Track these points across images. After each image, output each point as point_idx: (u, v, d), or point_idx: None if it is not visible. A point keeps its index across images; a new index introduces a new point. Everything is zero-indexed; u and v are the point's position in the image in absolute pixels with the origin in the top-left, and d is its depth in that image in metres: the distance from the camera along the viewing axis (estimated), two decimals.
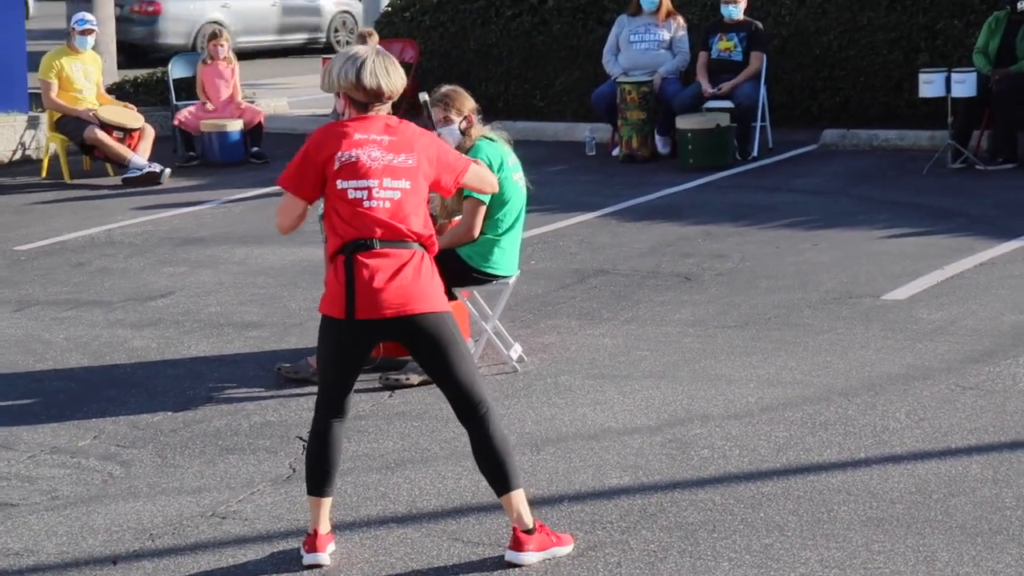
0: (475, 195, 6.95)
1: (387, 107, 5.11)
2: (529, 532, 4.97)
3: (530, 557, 4.94)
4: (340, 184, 4.96)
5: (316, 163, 4.99)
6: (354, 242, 4.93)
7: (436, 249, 5.12)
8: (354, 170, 4.95)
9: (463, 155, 5.27)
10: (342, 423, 5.07)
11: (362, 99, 5.03)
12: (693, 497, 5.51)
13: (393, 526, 5.36)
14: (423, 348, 4.99)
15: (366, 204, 4.94)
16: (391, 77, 5.02)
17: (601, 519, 5.33)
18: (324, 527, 5.07)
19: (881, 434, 6.09)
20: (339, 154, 4.97)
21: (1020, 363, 6.89)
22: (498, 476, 4.97)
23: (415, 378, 7.01)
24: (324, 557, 5.02)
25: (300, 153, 5.05)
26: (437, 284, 5.03)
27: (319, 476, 5.04)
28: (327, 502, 5.08)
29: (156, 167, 13.04)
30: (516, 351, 7.39)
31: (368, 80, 4.97)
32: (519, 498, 4.98)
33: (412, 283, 4.92)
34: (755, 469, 5.77)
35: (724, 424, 6.31)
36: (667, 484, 5.66)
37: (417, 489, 5.72)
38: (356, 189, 4.95)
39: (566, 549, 5.03)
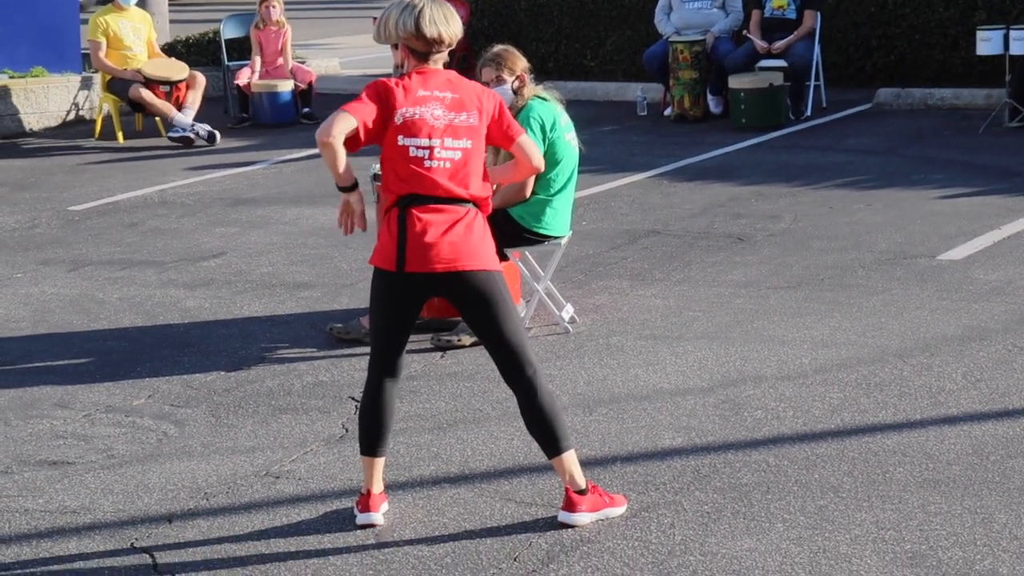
0: None
1: (445, 56, 5.05)
2: (582, 493, 4.96)
3: (583, 518, 4.94)
4: (402, 141, 4.91)
5: (380, 107, 4.90)
6: (409, 195, 4.91)
7: (490, 210, 5.10)
8: (418, 128, 4.90)
9: (519, 125, 5.17)
10: (395, 383, 5.07)
11: (422, 48, 4.96)
12: (746, 458, 5.48)
13: (446, 486, 5.36)
14: (472, 306, 4.97)
15: (427, 164, 4.90)
16: (450, 24, 4.96)
17: (654, 480, 5.31)
18: (377, 487, 5.08)
19: (937, 395, 6.04)
20: (403, 110, 4.91)
21: None
22: (548, 438, 4.96)
23: (467, 339, 7.00)
24: (378, 517, 5.04)
25: (361, 95, 4.94)
26: (489, 243, 5.00)
27: (372, 436, 5.05)
28: (380, 462, 5.08)
29: (201, 129, 13.05)
30: (568, 312, 7.37)
31: (428, 28, 4.92)
32: (570, 459, 4.97)
33: (464, 239, 4.89)
34: (809, 430, 5.74)
35: (777, 385, 6.28)
36: (720, 445, 5.63)
37: (470, 449, 5.72)
38: (418, 148, 4.90)
39: (619, 510, 5.02)
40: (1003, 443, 5.47)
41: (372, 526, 5.02)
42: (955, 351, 6.57)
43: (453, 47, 5.06)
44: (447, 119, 4.92)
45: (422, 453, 5.70)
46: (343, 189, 5.01)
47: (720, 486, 5.23)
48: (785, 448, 5.56)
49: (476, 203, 4.98)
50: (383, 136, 4.94)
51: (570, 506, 4.95)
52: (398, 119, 4.90)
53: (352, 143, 4.91)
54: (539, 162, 5.17)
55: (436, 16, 4.94)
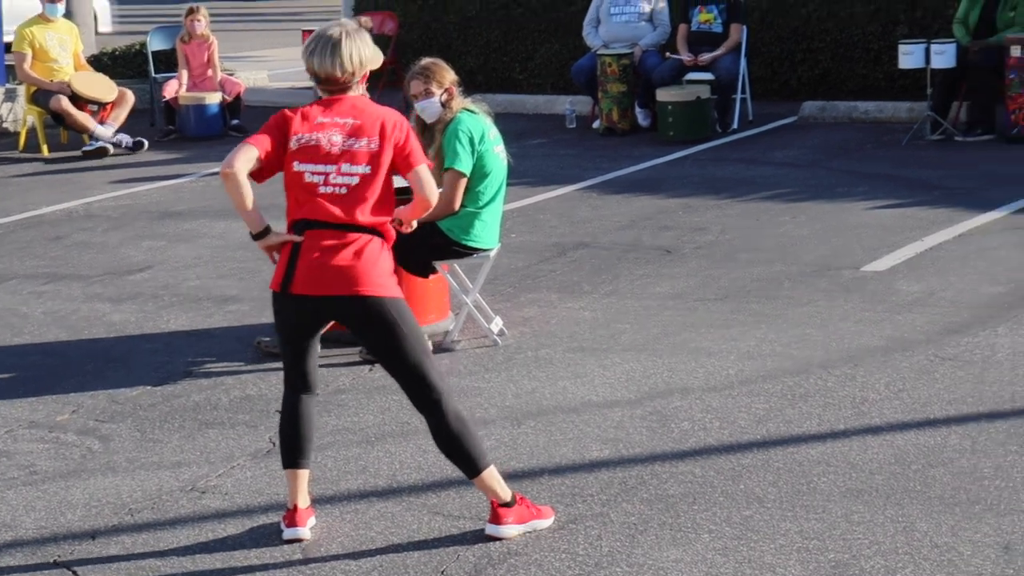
0: (456, 167, 6.94)
1: (359, 88, 5.05)
2: (507, 505, 4.97)
3: (510, 530, 4.95)
4: (297, 166, 4.93)
5: (277, 135, 4.95)
6: (303, 220, 4.93)
7: (392, 236, 5.04)
8: (312, 153, 4.91)
9: (422, 154, 5.13)
10: (311, 397, 5.06)
11: (319, 80, 5.01)
12: (673, 469, 5.52)
13: (373, 500, 5.35)
14: (364, 332, 4.98)
15: (321, 189, 4.90)
16: (335, 58, 4.92)
17: (582, 492, 5.34)
18: (303, 501, 5.06)
19: (860, 405, 6.11)
20: (298, 136, 4.94)
21: (998, 334, 6.91)
22: (463, 461, 4.95)
23: None
24: (304, 531, 5.02)
25: (263, 127, 5.01)
26: (383, 269, 4.94)
27: (290, 449, 5.04)
28: (303, 475, 5.07)
29: (124, 139, 12.94)
30: (497, 324, 7.39)
31: (310, 62, 4.97)
32: (490, 476, 4.96)
33: (351, 265, 4.87)
34: (735, 441, 5.78)
35: (704, 397, 6.32)
36: (647, 457, 5.67)
37: (397, 463, 5.72)
38: (313, 173, 4.91)
39: (546, 522, 5.03)
40: (924, 452, 5.55)
41: (299, 540, 5.00)
42: (878, 362, 6.65)
43: (350, 83, 5.01)
44: (345, 145, 4.92)
45: (349, 467, 5.69)
46: (256, 236, 5.00)
47: (647, 497, 5.25)
48: (711, 459, 5.60)
49: (374, 229, 4.95)
50: (282, 163, 4.96)
51: (496, 519, 4.96)
52: (293, 144, 4.94)
53: (257, 174, 4.96)
54: (431, 195, 5.06)
55: (323, 51, 4.93)
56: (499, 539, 4.93)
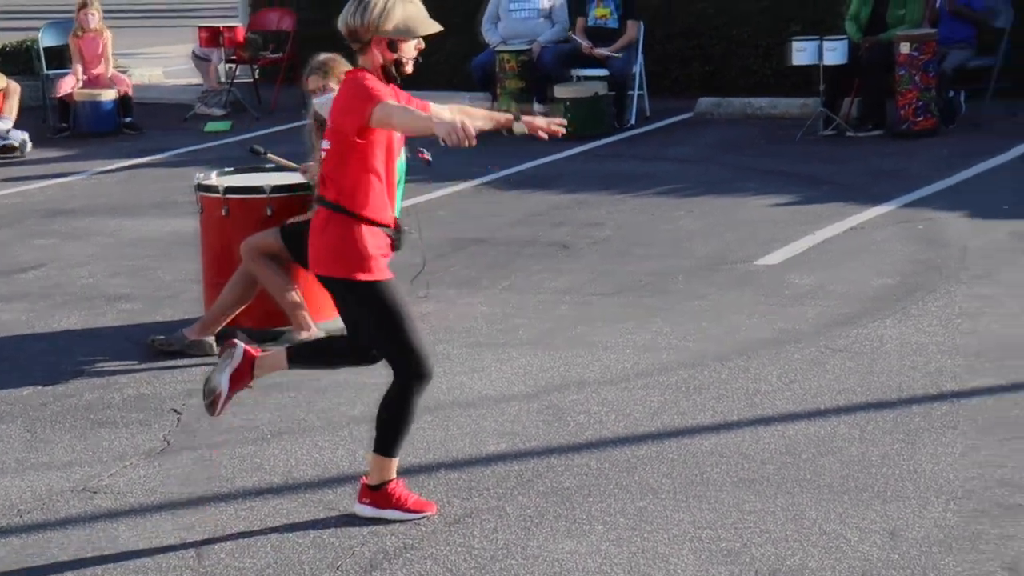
0: None
1: (360, 52, 5.03)
2: (373, 488, 5.03)
3: (363, 510, 5.05)
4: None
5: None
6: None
7: (356, 210, 4.94)
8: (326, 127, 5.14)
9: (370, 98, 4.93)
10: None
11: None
12: (569, 462, 5.55)
13: (268, 497, 5.32)
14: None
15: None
16: (346, 14, 5.04)
17: (478, 486, 5.35)
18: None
19: (753, 397, 6.19)
20: None
21: (886, 325, 7.04)
22: (376, 432, 5.04)
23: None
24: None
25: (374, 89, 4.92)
26: (336, 249, 4.95)
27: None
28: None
29: (16, 138, 12.73)
30: None
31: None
32: (378, 459, 5.05)
33: (314, 243, 5.05)
34: (630, 433, 5.83)
35: (600, 390, 6.37)
36: (543, 450, 5.69)
37: (293, 460, 5.69)
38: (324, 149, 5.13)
39: (410, 516, 5.02)
40: (814, 442, 5.63)
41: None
42: (771, 354, 6.74)
43: (351, 39, 5.03)
44: (331, 118, 5.05)
45: (244, 465, 5.65)
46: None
47: (543, 490, 5.28)
48: (606, 451, 5.65)
49: (338, 203, 4.94)
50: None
51: (359, 496, 5.08)
52: None
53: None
54: (399, 123, 4.93)
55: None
56: (357, 515, 5.03)
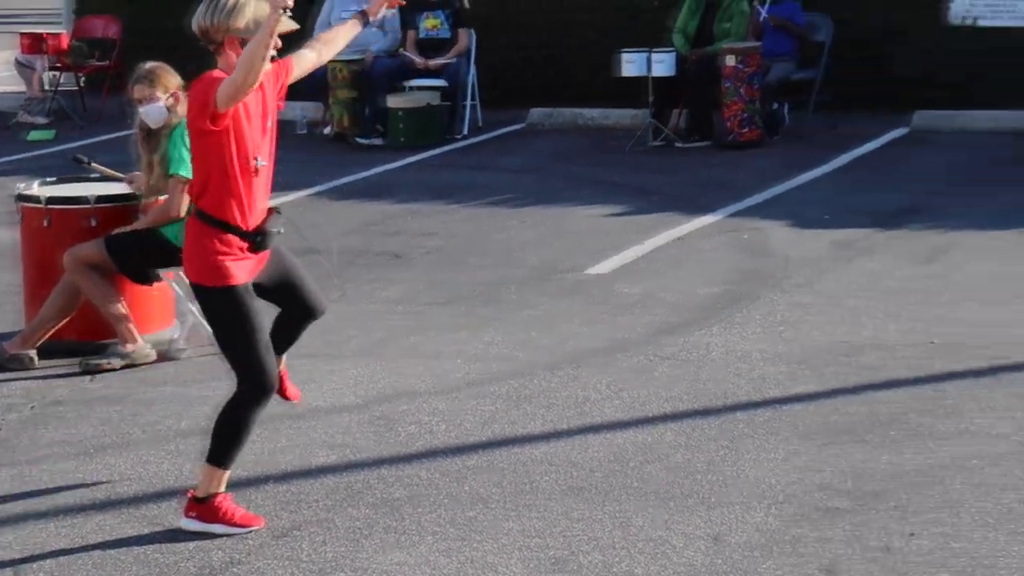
0: (180, 173, 6.82)
1: (216, 52, 5.01)
2: (200, 501, 4.98)
3: (189, 524, 4.99)
4: None
5: None
6: None
7: (207, 212, 4.91)
8: None
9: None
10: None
11: None
12: (399, 473, 5.54)
13: (91, 513, 5.21)
14: None
15: None
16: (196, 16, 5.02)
17: (307, 498, 5.31)
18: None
19: (582, 405, 6.25)
20: None
21: (712, 333, 7.17)
22: (211, 442, 5.01)
23: (116, 362, 6.84)
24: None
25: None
26: (189, 249, 4.96)
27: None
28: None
29: None
30: None
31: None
32: (207, 471, 5.00)
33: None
34: (460, 443, 5.85)
35: (431, 400, 6.37)
36: (373, 461, 5.68)
37: (117, 475, 5.58)
38: None
39: (237, 530, 4.97)
40: (642, 449, 5.72)
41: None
42: (600, 362, 6.82)
43: (204, 40, 5.00)
44: None
45: (66, 479, 5.52)
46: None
47: (372, 501, 5.27)
48: (437, 462, 5.66)
49: (193, 207, 4.99)
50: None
51: (185, 510, 5.02)
52: None
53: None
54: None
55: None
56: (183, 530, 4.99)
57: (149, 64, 7.02)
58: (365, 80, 12.84)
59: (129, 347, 6.89)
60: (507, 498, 5.27)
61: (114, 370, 6.82)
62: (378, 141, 12.73)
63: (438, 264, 8.72)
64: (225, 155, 4.87)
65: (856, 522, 4.95)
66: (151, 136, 6.96)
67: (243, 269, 4.94)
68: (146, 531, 5.04)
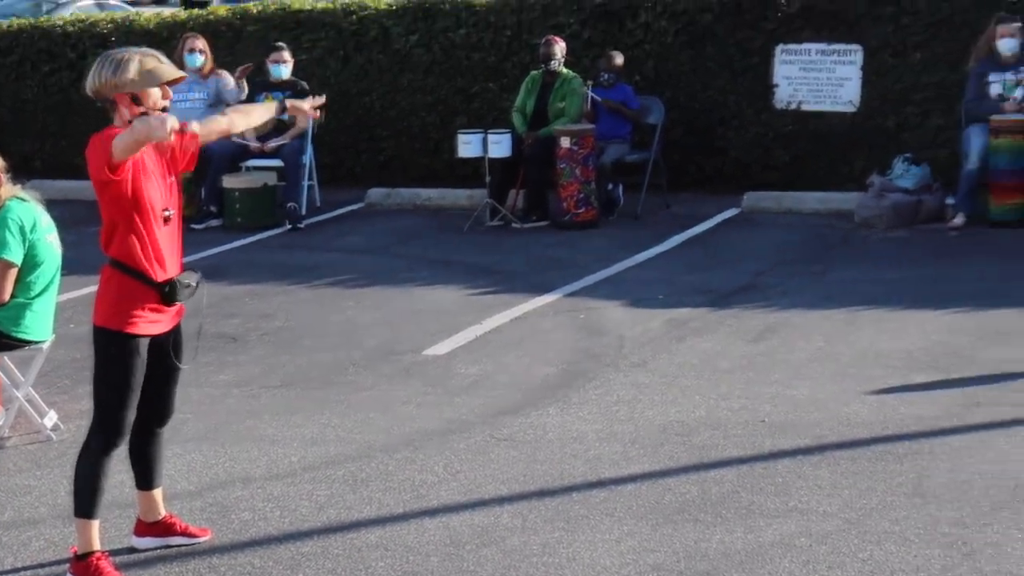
0: (5, 257, 6.69)
1: (111, 110, 5.17)
2: (79, 559, 5.19)
3: None
4: None
5: None
6: None
7: (118, 259, 5.15)
8: None
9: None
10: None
11: None
12: (232, 561, 5.46)
13: None
14: None
15: None
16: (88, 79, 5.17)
17: None
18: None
19: (419, 488, 6.24)
20: None
21: (549, 413, 7.23)
22: (73, 496, 5.21)
23: None
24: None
25: None
26: (105, 296, 5.16)
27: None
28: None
29: None
30: (51, 419, 7.13)
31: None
32: (78, 524, 5.18)
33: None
34: (295, 530, 5.78)
35: (266, 485, 6.30)
36: (205, 549, 5.59)
37: None
38: None
39: None
40: (478, 532, 5.71)
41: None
42: (437, 444, 6.82)
43: (98, 100, 5.17)
44: None
45: None
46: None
47: None
48: (270, 549, 5.58)
49: (114, 261, 5.12)
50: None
51: (69, 566, 5.21)
52: None
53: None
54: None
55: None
56: None
57: None
58: (204, 161, 12.72)
59: None
60: None
61: None
62: (215, 223, 12.62)
63: (276, 346, 8.65)
64: (127, 204, 5.08)
65: None
66: None
67: (148, 321, 5.12)
68: None
